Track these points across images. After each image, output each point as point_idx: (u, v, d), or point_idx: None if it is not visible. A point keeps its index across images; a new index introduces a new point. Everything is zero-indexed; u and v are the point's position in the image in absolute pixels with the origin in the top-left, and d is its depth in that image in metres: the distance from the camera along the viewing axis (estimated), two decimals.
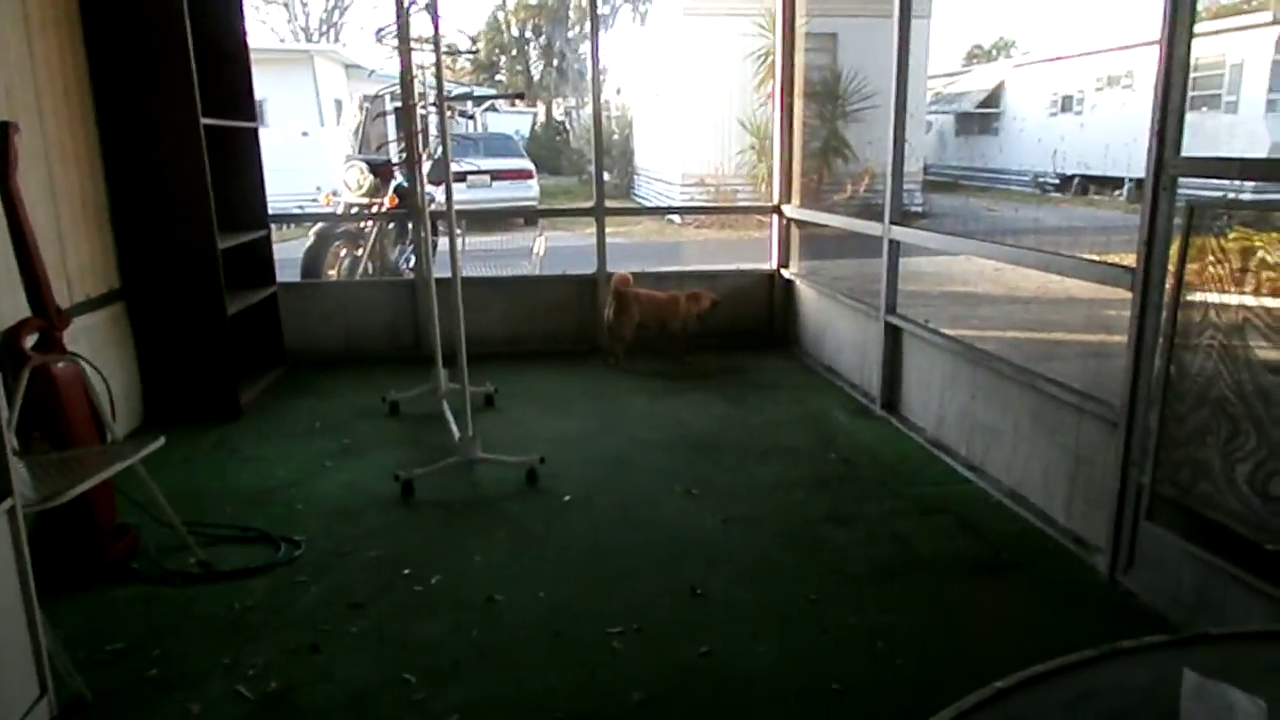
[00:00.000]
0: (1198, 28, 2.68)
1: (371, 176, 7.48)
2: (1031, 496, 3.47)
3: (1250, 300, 2.50)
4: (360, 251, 7.23)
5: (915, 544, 3.20)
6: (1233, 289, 2.55)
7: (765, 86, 11.96)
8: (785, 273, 6.20)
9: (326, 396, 5.07)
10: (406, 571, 3.02)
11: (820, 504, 3.55)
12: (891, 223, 4.48)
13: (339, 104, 17.14)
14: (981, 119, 24.33)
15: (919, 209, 14.96)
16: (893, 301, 4.58)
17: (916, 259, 7.51)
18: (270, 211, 5.44)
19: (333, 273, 7.21)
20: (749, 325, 6.24)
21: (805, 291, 5.98)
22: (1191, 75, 2.66)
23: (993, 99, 23.82)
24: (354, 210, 7.63)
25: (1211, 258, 2.61)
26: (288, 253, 7.48)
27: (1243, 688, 0.82)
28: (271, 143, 5.92)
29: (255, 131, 5.19)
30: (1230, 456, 2.51)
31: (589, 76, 6.32)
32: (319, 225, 7.38)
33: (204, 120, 4.38)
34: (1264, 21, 16.37)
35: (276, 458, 4.11)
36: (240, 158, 5.15)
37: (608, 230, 6.09)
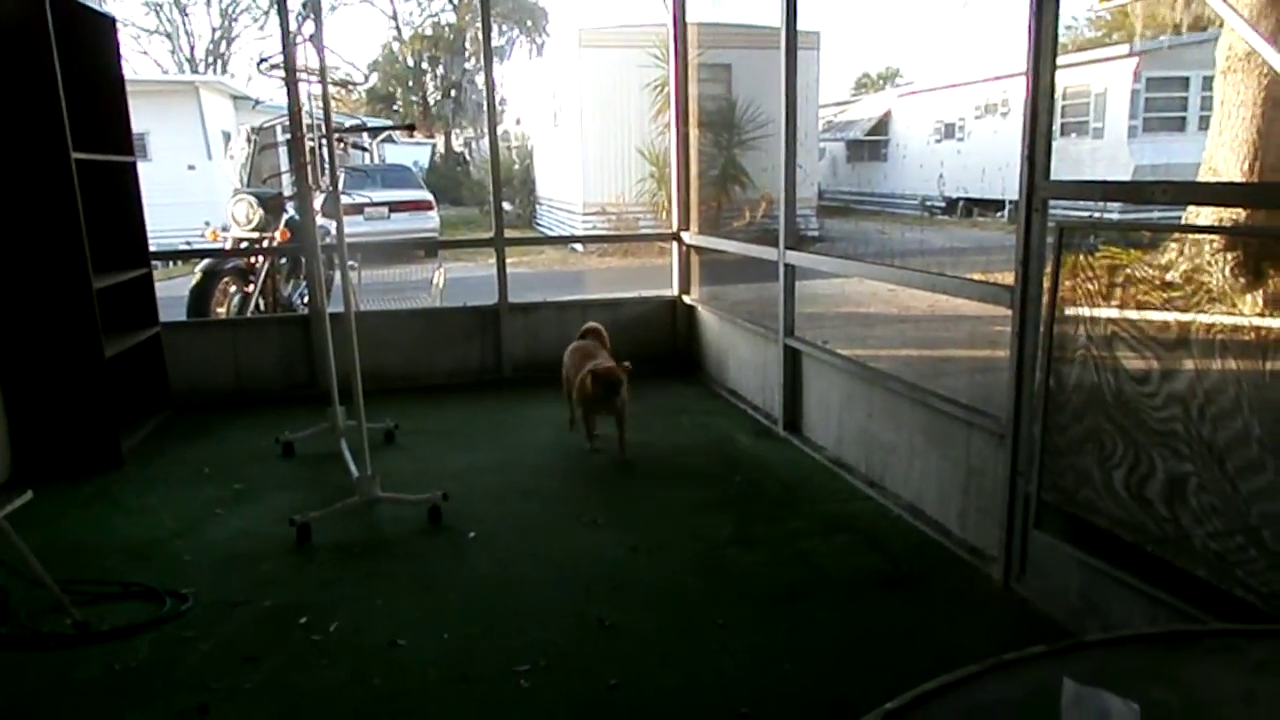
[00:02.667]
0: (1062, 59, 2.84)
1: (261, 210, 7.25)
2: (929, 510, 3.57)
3: (1117, 314, 2.65)
4: (251, 288, 6.98)
5: (820, 562, 3.25)
6: (1102, 304, 2.69)
7: (663, 116, 12.15)
8: (687, 299, 6.27)
9: (216, 440, 4.86)
10: (303, 620, 2.90)
11: (726, 527, 3.57)
12: (787, 247, 4.58)
13: (227, 136, 16.61)
14: (871, 146, 25.28)
15: (815, 233, 15.40)
16: (790, 324, 4.68)
17: (814, 282, 7.70)
18: (153, 248, 5.21)
19: (221, 310, 6.93)
20: (652, 351, 6.27)
21: (707, 317, 6.05)
22: (1059, 103, 2.82)
23: (881, 126, 24.78)
24: (243, 245, 7.38)
25: (1082, 275, 2.76)
26: (174, 290, 7.19)
27: (1118, 692, 0.85)
28: (155, 177, 5.71)
29: (133, 166, 4.97)
30: (1107, 463, 2.64)
31: (485, 107, 6.27)
32: (206, 261, 7.10)
33: (75, 155, 4.17)
34: (1122, 54, 17.57)
35: (162, 507, 3.90)
36: (118, 193, 4.92)
37: (510, 260, 6.05)
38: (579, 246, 16.11)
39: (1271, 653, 0.94)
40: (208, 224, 9.54)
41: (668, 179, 6.83)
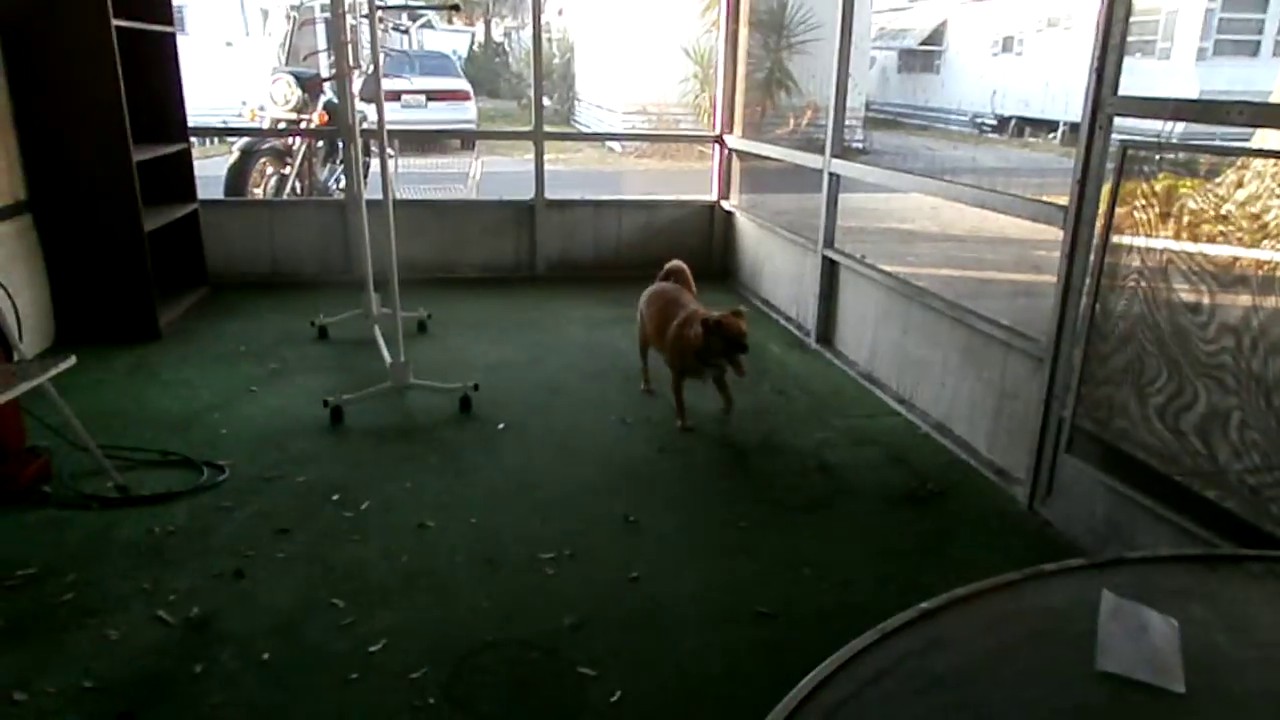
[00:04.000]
0: None
1: (300, 90, 7.15)
2: (958, 429, 3.56)
3: (1173, 244, 2.56)
4: (287, 170, 6.94)
5: (845, 474, 3.27)
6: (1158, 232, 2.61)
7: (710, 13, 11.73)
8: (725, 204, 6.17)
9: (252, 320, 4.91)
10: (335, 498, 2.97)
11: (753, 435, 3.59)
12: (833, 156, 4.46)
13: (265, 13, 16.28)
14: (924, 56, 24.33)
15: (860, 145, 14.99)
16: (831, 235, 4.59)
17: (856, 195, 7.53)
18: (191, 124, 5.16)
19: (258, 191, 6.92)
20: (687, 256, 6.13)
21: (745, 224, 5.96)
22: (1129, 18, 2.67)
23: (936, 36, 23.80)
24: (281, 126, 7.31)
25: (1140, 201, 2.66)
26: (210, 170, 7.16)
27: (1157, 608, 0.85)
28: (193, 53, 5.61)
29: (173, 37, 4.89)
30: (1146, 393, 2.60)
31: None
32: (244, 140, 7.05)
33: (115, 21, 4.10)
34: None
35: (199, 381, 3.98)
36: (157, 65, 4.85)
37: (547, 157, 5.95)
38: (617, 146, 15.82)
39: None
40: (244, 103, 9.45)
41: (712, 80, 6.63)
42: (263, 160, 6.95)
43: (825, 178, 4.51)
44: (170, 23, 4.87)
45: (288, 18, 8.33)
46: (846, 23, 4.36)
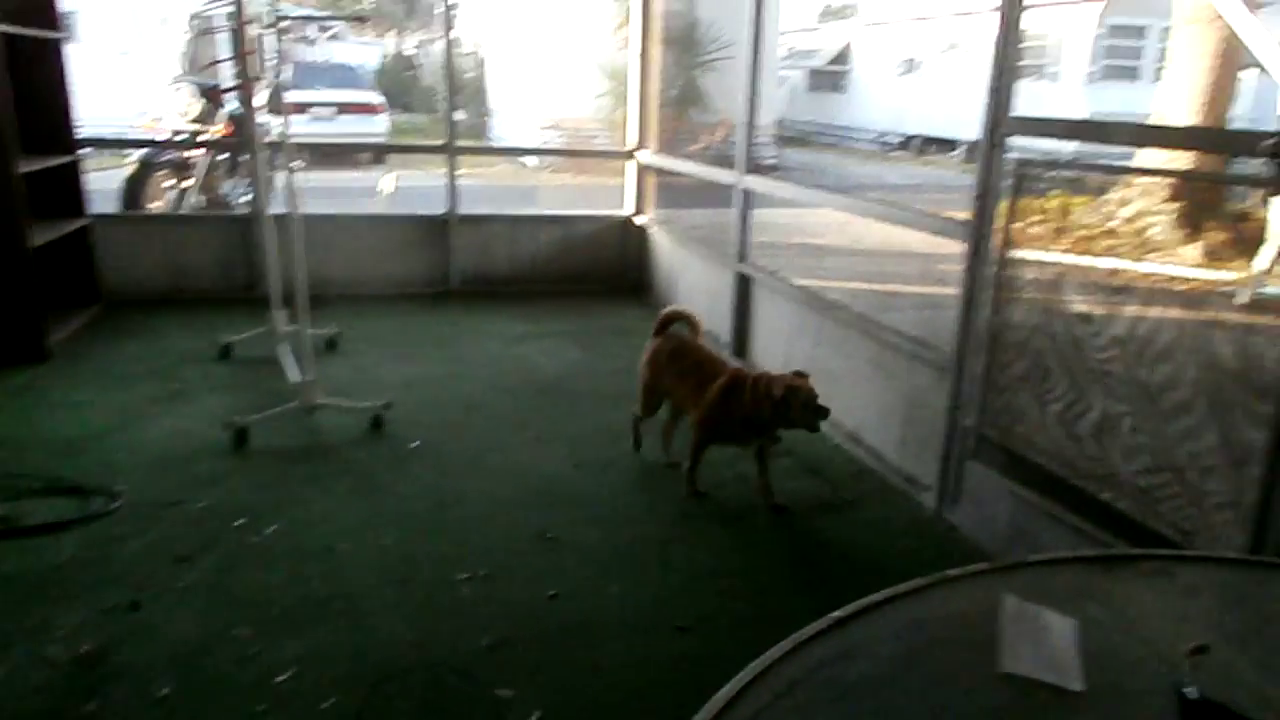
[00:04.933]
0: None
1: (201, 101, 6.91)
2: (868, 439, 3.64)
3: (1067, 257, 2.69)
4: (189, 182, 6.69)
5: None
6: (1051, 246, 2.73)
7: (624, 30, 11.82)
8: (640, 219, 6.20)
9: (151, 339, 4.71)
10: (240, 522, 2.86)
11: (671, 450, 3.60)
12: (745, 172, 4.53)
13: (164, 20, 15.72)
14: (832, 76, 25.01)
15: (772, 161, 15.28)
16: (744, 250, 4.66)
17: (768, 211, 7.66)
18: (84, 135, 4.93)
19: (158, 204, 6.65)
20: (603, 271, 6.22)
21: (659, 239, 6.00)
22: (1022, 44, 2.79)
23: (842, 57, 24.50)
24: (181, 137, 7.04)
25: (1036, 216, 2.79)
26: (106, 182, 6.85)
27: (1056, 609, 0.87)
28: (85, 61, 5.37)
29: (59, 44, 4.67)
30: (1044, 400, 2.71)
31: (440, 9, 6.01)
32: (142, 152, 6.77)
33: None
34: None
35: (93, 404, 3.78)
36: (45, 74, 4.62)
37: (461, 171, 5.88)
38: (532, 160, 15.76)
39: (1200, 578, 0.98)
40: (143, 113, 9.10)
41: (625, 96, 6.68)
42: (162, 172, 6.69)
43: (737, 193, 4.58)
44: (59, 29, 4.65)
45: (188, 26, 8.05)
46: (755, 42, 4.45)
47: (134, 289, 5.30)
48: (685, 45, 13.63)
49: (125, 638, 2.27)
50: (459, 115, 7.26)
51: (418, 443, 3.54)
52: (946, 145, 18.96)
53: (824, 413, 2.93)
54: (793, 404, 2.91)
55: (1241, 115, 14.65)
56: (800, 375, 3.01)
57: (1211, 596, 0.95)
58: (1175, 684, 0.70)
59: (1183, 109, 8.55)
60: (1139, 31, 17.56)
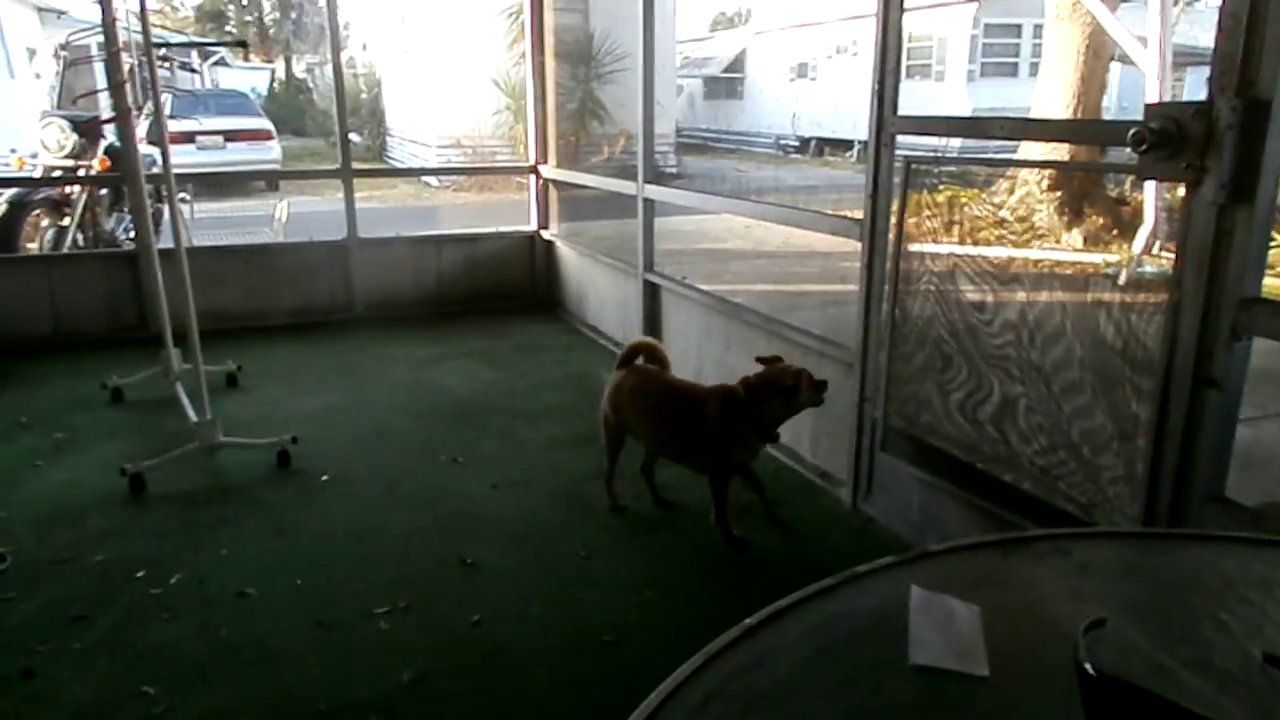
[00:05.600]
0: (909, 2, 2.91)
1: (75, 135, 6.58)
2: (783, 438, 3.68)
3: (959, 249, 2.77)
4: (66, 221, 6.36)
5: (679, 493, 3.31)
6: (943, 238, 2.82)
7: (518, 46, 11.79)
8: (545, 234, 6.17)
9: (32, 386, 4.45)
10: (140, 574, 2.72)
11: (588, 462, 3.57)
12: (645, 181, 4.56)
13: (32, 52, 14.97)
14: (728, 83, 25.45)
15: (673, 170, 15.44)
16: (650, 259, 4.68)
17: (673, 219, 7.73)
18: None
19: (33, 245, 6.31)
20: (511, 288, 6.17)
21: (566, 252, 5.98)
22: (905, 45, 2.89)
23: (737, 64, 24.96)
24: (56, 174, 6.69)
25: (927, 211, 2.87)
26: None
27: (960, 596, 0.89)
28: None
29: None
30: (946, 389, 2.79)
31: (328, 31, 5.88)
32: (12, 191, 6.41)
33: None
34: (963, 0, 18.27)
35: None
36: None
37: (360, 194, 5.76)
38: (433, 181, 15.56)
39: (1093, 554, 1.01)
40: (13, 151, 8.62)
41: (524, 111, 6.65)
42: (36, 211, 6.34)
43: (640, 203, 4.60)
44: None
45: (56, 56, 7.66)
46: (648, 52, 4.49)
47: (13, 335, 5.01)
48: (581, 58, 13.69)
49: (18, 708, 2.13)
50: (355, 138, 7.11)
51: (327, 476, 3.43)
52: (844, 146, 19.49)
53: (826, 385, 2.88)
54: (803, 386, 2.85)
55: (1116, 105, 15.48)
56: (777, 359, 2.96)
57: (1105, 571, 0.99)
58: (1076, 661, 0.71)
59: (1058, 102, 8.98)
60: (1015, 30, 18.38)
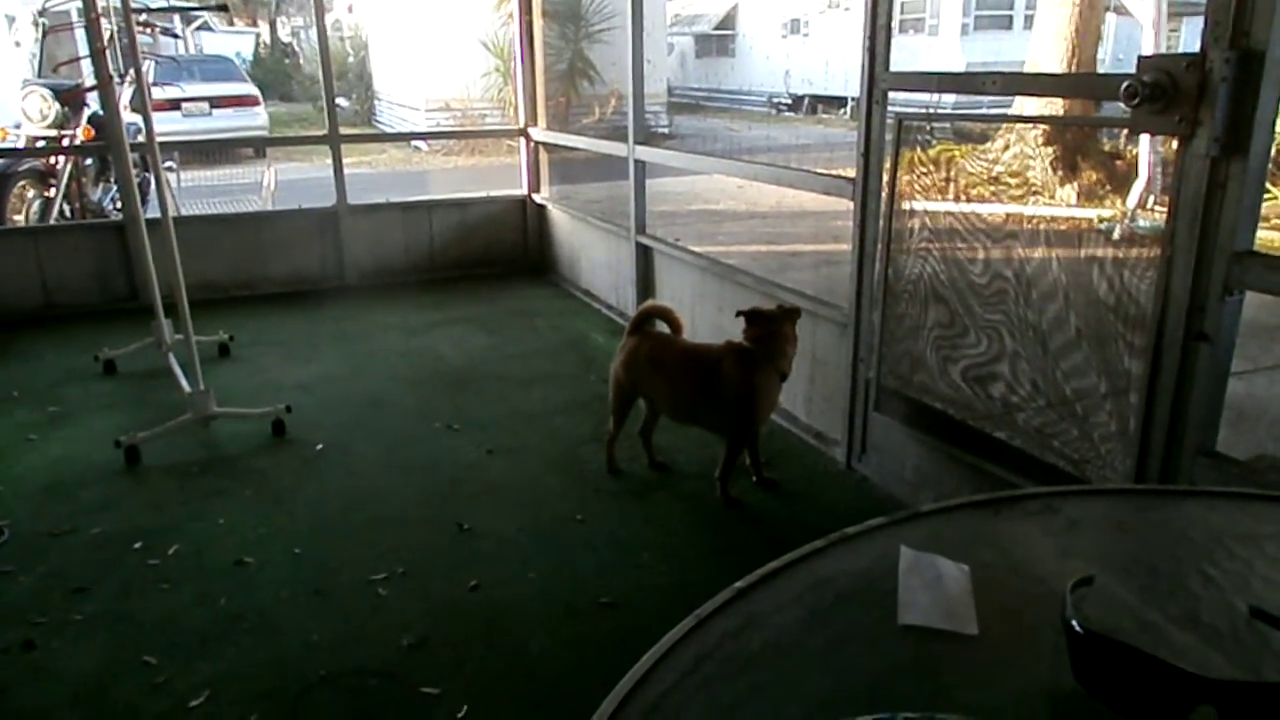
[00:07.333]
0: None
1: (57, 104, 6.49)
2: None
3: (953, 206, 2.76)
4: (52, 191, 6.30)
5: (674, 455, 3.32)
6: (937, 196, 2.80)
7: (505, 5, 11.60)
8: (537, 198, 6.12)
9: (23, 360, 4.44)
10: (138, 545, 2.73)
11: (583, 427, 3.59)
12: (636, 143, 4.51)
13: (10, 20, 14.70)
14: (719, 40, 25.12)
15: (665, 130, 15.30)
16: (642, 222, 4.65)
17: (665, 180, 7.67)
18: None
19: (19, 217, 6.25)
20: (503, 253, 6.13)
21: (558, 216, 5.94)
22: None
23: (728, 20, 24.62)
24: (39, 144, 6.61)
25: (920, 169, 2.85)
26: None
27: (950, 556, 0.89)
28: None
29: None
30: (939, 347, 2.79)
31: None
32: None
33: None
34: None
35: None
36: None
37: (349, 160, 5.70)
38: (423, 145, 15.40)
39: (1082, 511, 1.01)
40: None
41: (513, 73, 6.56)
42: (21, 183, 6.28)
43: (631, 165, 4.56)
44: None
45: (35, 24, 7.52)
46: (638, 9, 4.42)
47: (2, 308, 4.98)
48: (570, 18, 13.47)
49: (19, 680, 2.15)
50: (342, 103, 7.03)
51: (322, 445, 3.44)
52: (837, 103, 19.30)
53: (796, 310, 2.99)
54: (794, 321, 2.94)
55: (1112, 57, 15.32)
56: (755, 310, 2.95)
57: (1094, 528, 0.99)
58: (1064, 619, 0.72)
59: (1053, 55, 8.88)
60: None
